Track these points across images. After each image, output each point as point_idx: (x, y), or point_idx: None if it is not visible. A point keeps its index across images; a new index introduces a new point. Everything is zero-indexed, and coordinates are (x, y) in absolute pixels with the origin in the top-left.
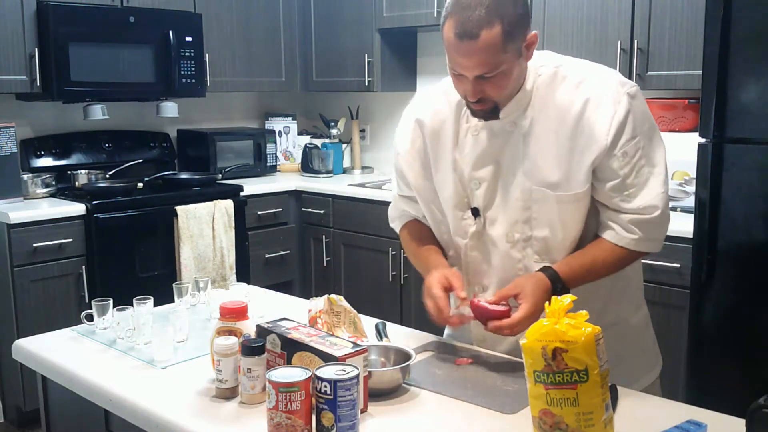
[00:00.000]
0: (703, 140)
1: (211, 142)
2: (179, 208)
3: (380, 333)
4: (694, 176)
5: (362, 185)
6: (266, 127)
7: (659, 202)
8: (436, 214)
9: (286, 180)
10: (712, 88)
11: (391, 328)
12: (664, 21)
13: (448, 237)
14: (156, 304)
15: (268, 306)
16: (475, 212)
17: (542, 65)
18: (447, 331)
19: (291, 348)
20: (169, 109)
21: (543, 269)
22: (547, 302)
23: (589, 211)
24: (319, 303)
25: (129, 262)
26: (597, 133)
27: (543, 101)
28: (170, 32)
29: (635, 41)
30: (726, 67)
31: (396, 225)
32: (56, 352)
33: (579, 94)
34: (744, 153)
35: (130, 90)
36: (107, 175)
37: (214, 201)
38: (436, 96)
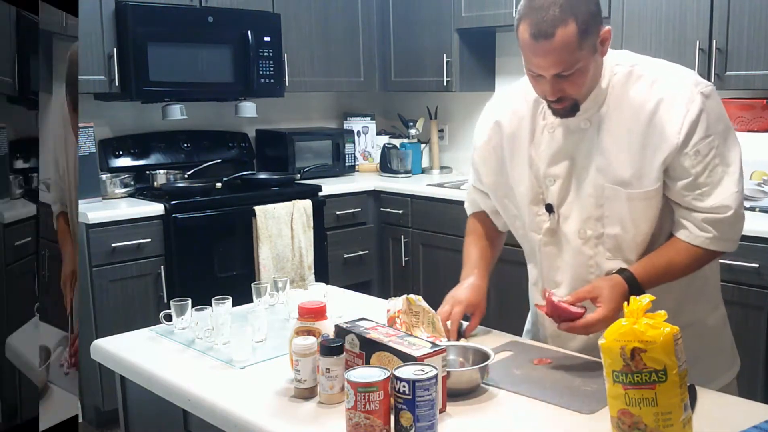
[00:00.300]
0: None
1: (289, 142)
2: (258, 208)
3: (459, 333)
4: None
5: (441, 185)
6: (345, 127)
7: (732, 202)
8: (510, 209)
9: (365, 180)
10: None
11: None
12: (742, 21)
13: (523, 232)
14: (234, 304)
15: (346, 306)
16: (549, 208)
17: (618, 64)
18: (526, 327)
19: (370, 348)
20: (248, 109)
21: (620, 271)
22: (625, 302)
23: (663, 209)
24: (397, 303)
25: (207, 262)
26: (668, 132)
27: (618, 99)
28: (249, 32)
29: (714, 41)
30: None
31: (467, 209)
32: (135, 352)
33: (653, 93)
34: None
35: (209, 90)
36: (186, 175)
37: (293, 201)
38: (514, 96)
